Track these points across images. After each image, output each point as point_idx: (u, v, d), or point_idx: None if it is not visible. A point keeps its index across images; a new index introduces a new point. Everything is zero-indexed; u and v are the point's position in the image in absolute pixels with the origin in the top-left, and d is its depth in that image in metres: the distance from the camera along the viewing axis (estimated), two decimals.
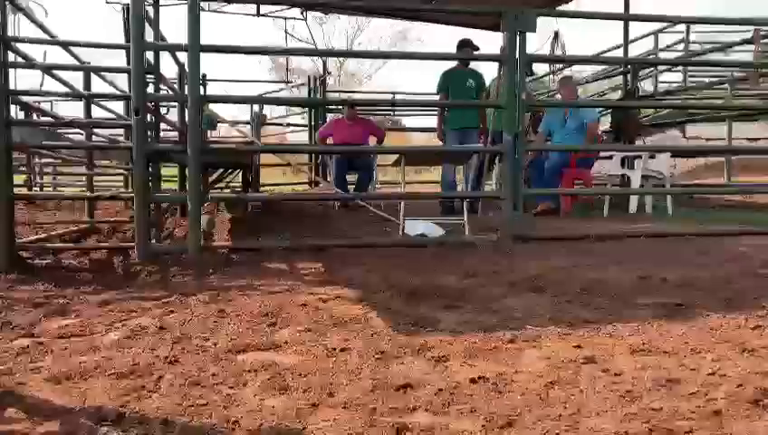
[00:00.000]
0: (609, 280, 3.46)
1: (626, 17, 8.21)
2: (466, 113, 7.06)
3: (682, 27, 11.64)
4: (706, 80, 11.32)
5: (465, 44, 6.87)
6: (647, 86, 10.76)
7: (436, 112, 11.65)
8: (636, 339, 2.43)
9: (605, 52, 10.04)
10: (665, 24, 10.82)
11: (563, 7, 8.65)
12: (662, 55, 11.42)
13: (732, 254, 4.21)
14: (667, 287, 3.31)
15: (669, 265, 3.77)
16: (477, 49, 6.87)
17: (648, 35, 11.15)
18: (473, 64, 7.38)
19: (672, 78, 12.34)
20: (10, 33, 4.16)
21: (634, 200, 6.87)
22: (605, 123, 8.51)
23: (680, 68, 11.66)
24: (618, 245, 4.56)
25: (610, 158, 7.47)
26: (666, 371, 2.06)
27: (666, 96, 9.79)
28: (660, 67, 11.43)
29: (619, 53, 8.72)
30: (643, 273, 3.59)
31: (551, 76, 10.80)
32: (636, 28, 11.59)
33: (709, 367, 2.10)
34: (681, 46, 11.77)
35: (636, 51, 10.63)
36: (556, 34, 10.17)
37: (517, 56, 4.64)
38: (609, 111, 8.74)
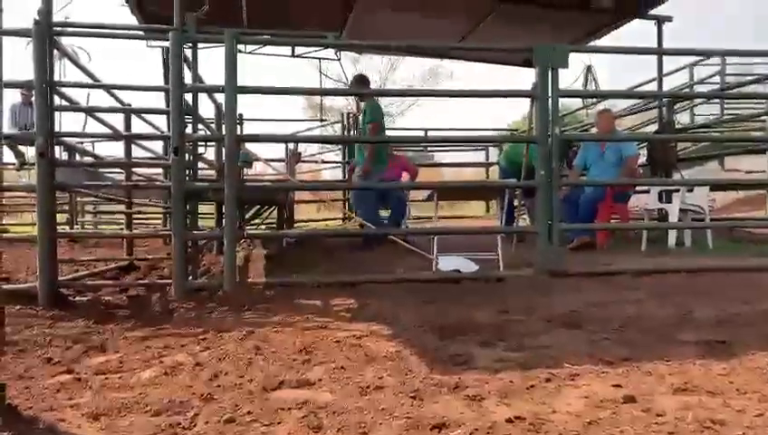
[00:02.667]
0: (648, 316, 3.39)
1: (659, 51, 8.18)
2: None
3: (718, 60, 11.57)
4: (744, 112, 11.17)
5: (359, 81, 6.89)
6: (683, 119, 10.66)
7: (468, 148, 11.75)
8: (677, 378, 2.36)
9: (640, 85, 9.99)
10: (700, 57, 10.75)
11: (596, 42, 8.67)
12: (698, 88, 11.32)
13: None
14: (708, 324, 3.22)
15: (711, 301, 3.68)
16: (368, 83, 6.89)
17: (683, 68, 11.08)
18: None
19: (709, 110, 12.22)
20: (56, 77, 4.33)
21: (672, 235, 6.75)
22: (642, 156, 8.40)
23: (717, 100, 11.54)
24: (656, 280, 4.47)
25: (647, 192, 7.37)
26: (710, 411, 2.00)
27: (703, 129, 9.68)
28: (696, 100, 11.32)
29: (654, 86, 8.66)
30: (683, 309, 3.51)
31: (584, 110, 10.76)
32: (672, 61, 11.55)
33: (756, 408, 2.03)
34: (717, 78, 11.68)
35: (672, 83, 10.57)
36: (589, 69, 10.15)
37: (550, 92, 4.65)
38: (645, 144, 8.66)
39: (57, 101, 4.36)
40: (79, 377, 2.52)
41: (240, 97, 4.32)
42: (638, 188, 7.66)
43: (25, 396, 2.29)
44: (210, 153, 7.12)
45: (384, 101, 31.63)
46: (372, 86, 10.92)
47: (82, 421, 2.04)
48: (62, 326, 3.48)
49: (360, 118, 6.96)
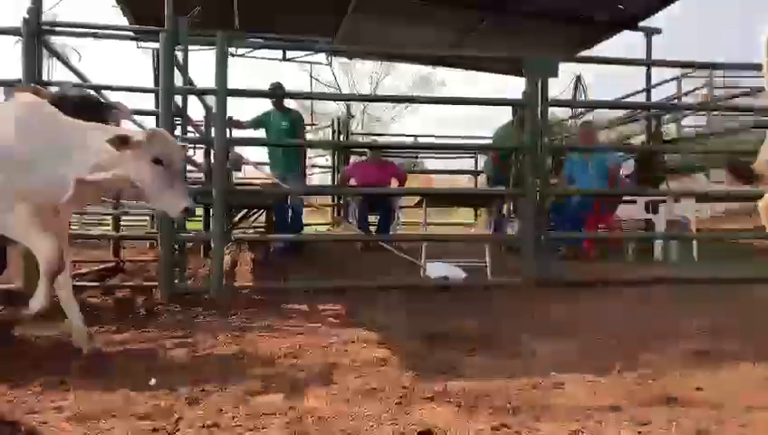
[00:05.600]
0: (634, 326, 3.40)
1: (648, 62, 8.23)
2: (285, 157, 7.05)
3: (706, 72, 11.66)
4: (732, 124, 11.27)
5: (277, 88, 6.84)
6: (671, 130, 10.73)
7: (456, 155, 11.59)
8: (663, 388, 2.37)
9: (628, 96, 10.06)
10: (688, 69, 10.83)
11: (586, 53, 8.72)
12: (685, 100, 11.41)
13: (761, 300, 4.12)
14: (694, 334, 3.24)
15: (697, 312, 3.69)
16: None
17: (671, 80, 11.16)
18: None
19: (697, 122, 12.30)
20: (45, 77, 4.30)
21: (659, 245, 6.78)
22: (630, 167, 8.43)
23: (705, 112, 11.63)
24: (643, 290, 4.48)
25: (634, 202, 7.41)
26: (694, 421, 2.01)
27: (690, 140, 9.75)
28: (684, 111, 11.41)
29: (642, 97, 8.71)
30: (670, 319, 3.53)
31: (572, 120, 10.83)
32: (659, 72, 11.59)
33: (740, 419, 2.04)
34: (705, 90, 11.77)
35: (660, 95, 10.64)
36: (578, 79, 10.21)
37: (539, 101, 4.67)
38: (634, 154, 8.69)
39: None
40: (63, 380, 2.49)
41: (230, 100, 4.31)
42: (624, 199, 7.68)
43: (8, 399, 2.26)
44: (199, 156, 7.09)
45: (376, 107, 31.38)
46: (364, 92, 10.86)
47: (66, 425, 2.02)
48: (46, 328, 3.44)
49: (283, 124, 6.89)
